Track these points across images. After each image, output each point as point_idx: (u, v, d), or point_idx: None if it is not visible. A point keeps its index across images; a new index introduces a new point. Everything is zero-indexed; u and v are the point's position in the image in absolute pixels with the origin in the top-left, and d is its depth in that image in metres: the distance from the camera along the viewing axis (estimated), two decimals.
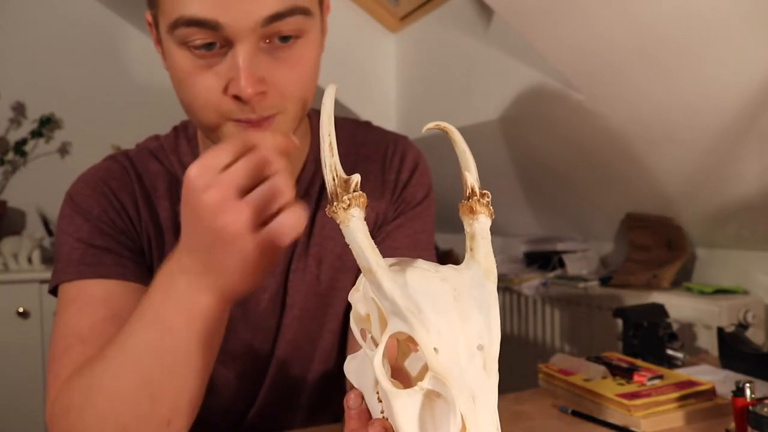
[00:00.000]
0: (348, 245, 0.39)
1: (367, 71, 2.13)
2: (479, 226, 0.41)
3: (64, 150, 2.62)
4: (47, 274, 2.09)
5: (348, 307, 0.42)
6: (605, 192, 1.69)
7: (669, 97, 1.24)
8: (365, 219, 0.38)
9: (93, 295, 0.67)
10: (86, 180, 0.75)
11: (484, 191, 0.42)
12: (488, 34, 1.68)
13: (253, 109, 0.62)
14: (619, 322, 1.12)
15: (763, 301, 1.38)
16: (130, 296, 0.66)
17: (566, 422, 0.80)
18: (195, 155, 0.78)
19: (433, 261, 0.42)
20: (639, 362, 0.94)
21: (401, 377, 0.41)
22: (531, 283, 1.80)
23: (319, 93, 0.50)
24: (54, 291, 0.71)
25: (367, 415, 0.41)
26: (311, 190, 0.80)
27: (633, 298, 1.49)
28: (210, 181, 0.48)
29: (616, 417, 0.79)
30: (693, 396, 0.80)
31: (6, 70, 2.51)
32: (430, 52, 1.98)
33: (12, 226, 2.49)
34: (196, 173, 0.49)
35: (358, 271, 0.39)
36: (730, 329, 1.02)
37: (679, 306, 1.38)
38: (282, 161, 0.51)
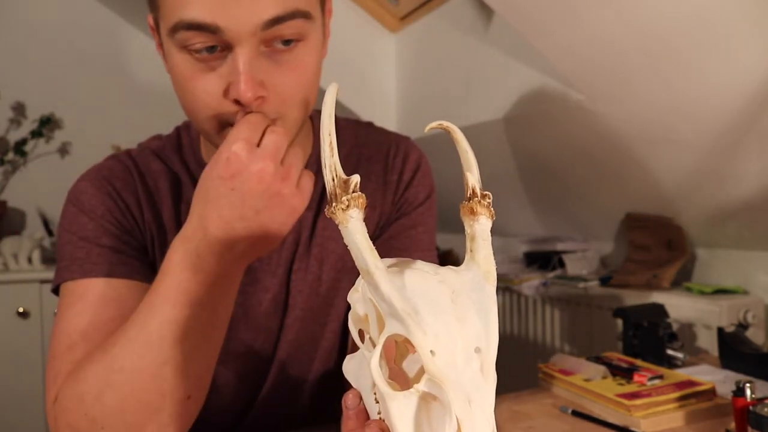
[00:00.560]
0: None
1: (367, 71, 2.13)
2: (480, 227, 0.41)
3: (64, 150, 2.62)
4: (47, 274, 2.09)
5: (350, 307, 0.42)
6: (605, 192, 1.69)
7: (669, 97, 1.24)
8: (367, 219, 0.38)
9: (98, 294, 0.67)
10: (90, 179, 0.75)
11: (486, 192, 0.41)
12: (488, 34, 1.67)
13: None
14: (619, 322, 1.12)
15: (763, 301, 1.38)
16: (136, 295, 0.66)
17: (566, 422, 0.80)
18: (197, 155, 0.78)
19: (434, 262, 0.42)
20: (639, 362, 0.94)
21: (399, 379, 0.40)
22: (531, 283, 1.80)
23: (321, 95, 0.50)
24: (56, 290, 0.71)
25: (365, 415, 0.41)
26: (313, 190, 0.79)
27: (633, 298, 1.49)
28: (259, 154, 0.57)
29: (616, 417, 0.79)
30: (693, 396, 0.80)
31: (6, 70, 2.51)
32: (430, 52, 1.97)
33: (12, 226, 2.49)
34: (240, 148, 0.57)
35: (359, 272, 0.39)
36: (730, 329, 1.02)
37: (679, 306, 1.38)
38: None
